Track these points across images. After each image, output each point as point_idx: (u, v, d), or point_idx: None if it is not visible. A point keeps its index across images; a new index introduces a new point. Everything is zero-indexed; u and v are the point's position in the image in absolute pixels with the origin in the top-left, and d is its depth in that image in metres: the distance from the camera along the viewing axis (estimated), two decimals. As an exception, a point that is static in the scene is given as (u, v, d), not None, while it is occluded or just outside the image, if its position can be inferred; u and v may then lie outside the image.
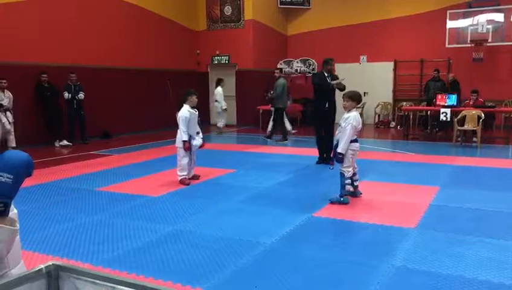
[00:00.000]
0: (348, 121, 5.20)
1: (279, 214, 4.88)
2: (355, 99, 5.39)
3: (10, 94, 9.49)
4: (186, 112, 6.24)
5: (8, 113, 9.43)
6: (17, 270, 1.64)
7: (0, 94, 9.31)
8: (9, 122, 9.41)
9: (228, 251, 3.80)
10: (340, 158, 5.22)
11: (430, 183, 6.17)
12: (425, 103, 12.77)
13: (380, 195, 5.65)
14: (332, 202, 5.25)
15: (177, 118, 6.26)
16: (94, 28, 11.61)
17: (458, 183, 6.24)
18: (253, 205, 5.26)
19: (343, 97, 5.51)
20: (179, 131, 6.30)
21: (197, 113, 6.44)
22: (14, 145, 9.51)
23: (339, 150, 5.19)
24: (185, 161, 6.33)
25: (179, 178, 6.35)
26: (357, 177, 5.45)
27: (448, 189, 5.89)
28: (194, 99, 6.36)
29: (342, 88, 7.38)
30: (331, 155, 5.55)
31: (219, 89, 12.89)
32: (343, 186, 5.27)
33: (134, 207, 5.21)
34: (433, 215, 4.76)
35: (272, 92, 11.53)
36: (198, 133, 6.50)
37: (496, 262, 3.50)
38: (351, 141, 5.22)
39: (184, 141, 6.21)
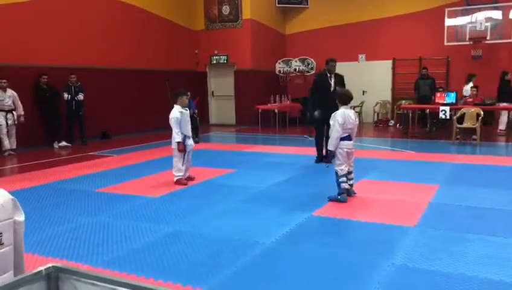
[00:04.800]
0: (335, 118, 5.25)
1: (279, 213, 4.87)
2: (339, 98, 5.45)
3: (13, 92, 9.41)
4: (177, 112, 6.22)
5: (9, 115, 9.36)
6: (4, 278, 1.63)
7: (2, 94, 9.27)
8: (7, 124, 9.35)
9: (228, 251, 3.79)
10: (331, 155, 5.36)
11: (429, 182, 6.17)
12: (416, 101, 12.81)
13: (379, 193, 5.65)
14: (330, 200, 5.28)
15: (169, 120, 6.25)
16: (93, 29, 11.61)
17: (458, 181, 6.24)
18: (253, 205, 5.26)
19: None
20: (172, 132, 6.30)
21: (188, 112, 6.42)
22: (14, 147, 9.48)
23: (328, 146, 5.33)
24: (180, 163, 6.32)
25: (175, 179, 6.35)
26: (352, 176, 5.44)
27: (448, 187, 5.89)
28: (184, 99, 6.35)
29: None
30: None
31: (470, 85, 11.72)
32: (338, 184, 5.29)
33: (133, 208, 5.20)
34: (433, 214, 4.76)
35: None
36: (189, 138, 6.43)
37: (496, 260, 3.50)
38: (342, 139, 5.22)
39: (178, 142, 6.21)
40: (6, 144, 9.37)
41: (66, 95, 10.55)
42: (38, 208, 5.30)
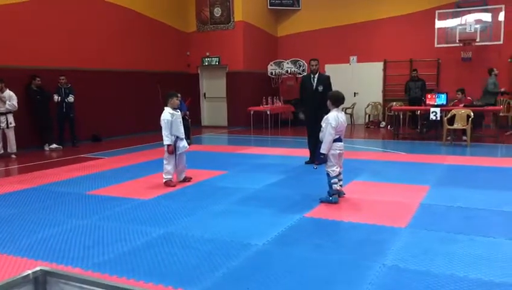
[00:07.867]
0: (327, 121, 5.25)
1: (271, 215, 4.87)
2: (331, 99, 5.43)
3: (10, 94, 9.20)
4: (167, 114, 6.22)
5: (2, 117, 9.18)
6: None
7: None
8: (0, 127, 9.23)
9: (220, 252, 3.78)
10: (323, 158, 5.32)
11: (420, 183, 6.20)
12: (407, 102, 12.90)
13: (370, 195, 5.67)
14: (322, 201, 5.28)
15: (160, 122, 6.25)
16: (84, 31, 11.54)
17: (448, 182, 6.28)
18: (245, 206, 5.25)
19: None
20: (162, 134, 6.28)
21: (179, 113, 6.41)
22: (14, 150, 9.31)
23: (321, 150, 5.29)
24: (169, 166, 6.32)
25: (163, 181, 6.34)
26: (341, 177, 5.45)
27: (439, 188, 5.93)
28: (174, 101, 6.35)
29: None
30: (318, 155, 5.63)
31: None
32: (330, 185, 5.30)
33: (125, 210, 5.17)
34: (424, 215, 4.78)
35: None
36: (182, 139, 6.41)
37: (486, 260, 3.52)
38: (334, 141, 5.24)
39: (167, 145, 6.20)
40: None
41: (56, 97, 10.47)
42: (28, 211, 5.24)
